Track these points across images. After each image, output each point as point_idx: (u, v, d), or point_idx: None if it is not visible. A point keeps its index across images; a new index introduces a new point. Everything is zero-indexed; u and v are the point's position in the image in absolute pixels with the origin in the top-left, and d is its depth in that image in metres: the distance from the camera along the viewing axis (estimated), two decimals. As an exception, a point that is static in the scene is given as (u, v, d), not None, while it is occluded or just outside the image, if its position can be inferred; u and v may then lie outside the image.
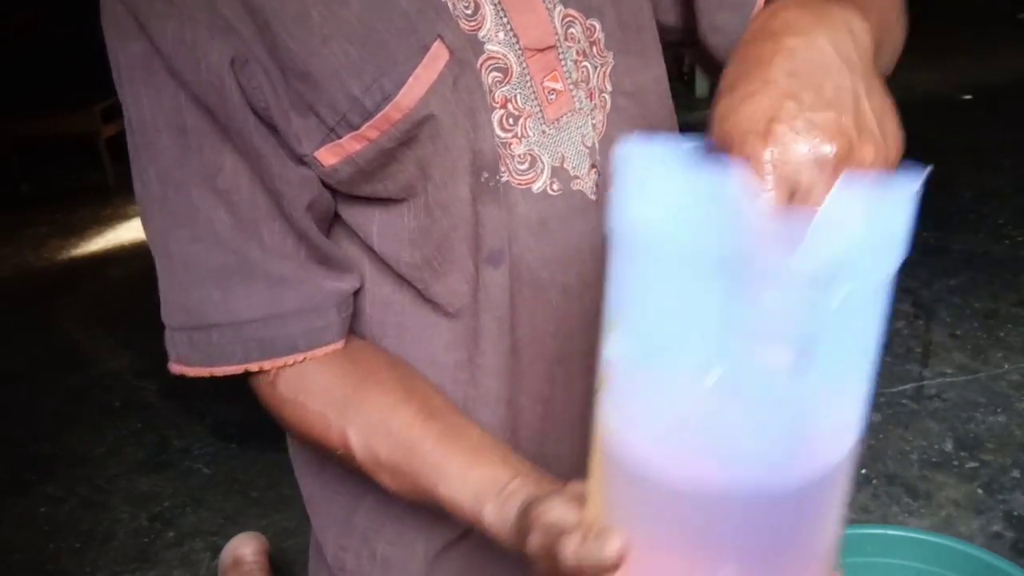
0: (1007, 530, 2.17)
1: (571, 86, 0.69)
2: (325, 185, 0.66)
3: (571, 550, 0.48)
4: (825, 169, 0.41)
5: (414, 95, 0.61)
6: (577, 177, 0.70)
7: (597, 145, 0.71)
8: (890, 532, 1.54)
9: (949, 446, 2.49)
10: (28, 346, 3.76)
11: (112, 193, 5.42)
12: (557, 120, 0.68)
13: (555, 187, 0.69)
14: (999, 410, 2.61)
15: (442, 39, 0.62)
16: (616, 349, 0.46)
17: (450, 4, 0.63)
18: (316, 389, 0.67)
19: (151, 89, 0.62)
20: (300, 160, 0.64)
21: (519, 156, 0.67)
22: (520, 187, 0.68)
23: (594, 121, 0.71)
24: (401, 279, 0.70)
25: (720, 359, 0.42)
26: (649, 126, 0.74)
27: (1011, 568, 1.42)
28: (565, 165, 0.69)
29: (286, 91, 0.62)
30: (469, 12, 0.64)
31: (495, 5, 0.65)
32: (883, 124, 0.44)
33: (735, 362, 0.42)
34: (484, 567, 0.77)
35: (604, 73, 0.72)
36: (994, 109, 5.51)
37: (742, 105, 0.43)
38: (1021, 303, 3.22)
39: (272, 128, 0.63)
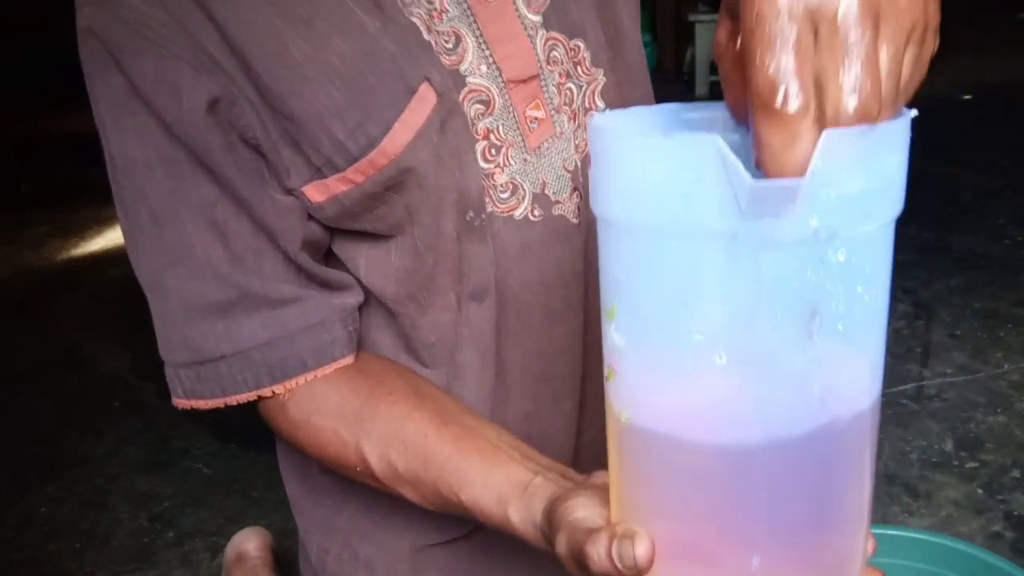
0: (1007, 530, 2.17)
1: (552, 112, 0.68)
2: (316, 219, 0.65)
3: (600, 553, 0.48)
4: None
5: (400, 141, 0.60)
6: (558, 202, 0.69)
7: (580, 167, 0.70)
8: (890, 532, 1.54)
9: (949, 446, 2.49)
10: (28, 346, 3.76)
11: (112, 193, 5.41)
12: (538, 148, 0.67)
13: (536, 213, 0.68)
14: (999, 410, 2.61)
15: (429, 81, 0.60)
16: (618, 337, 0.45)
17: (432, 41, 0.62)
18: (328, 407, 0.66)
19: (136, 124, 0.60)
20: (289, 192, 0.63)
21: (501, 185, 0.66)
22: (502, 215, 0.67)
23: (577, 142, 0.70)
24: (383, 314, 0.70)
25: (727, 331, 0.41)
26: None
27: (1011, 568, 1.42)
28: (546, 191, 0.68)
29: (275, 126, 0.60)
30: (450, 46, 0.63)
31: (477, 37, 0.64)
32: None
33: (742, 332, 0.41)
34: (470, 567, 0.77)
35: (593, 91, 0.71)
36: (994, 109, 5.52)
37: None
38: (1021, 303, 3.22)
39: (264, 160, 0.62)
